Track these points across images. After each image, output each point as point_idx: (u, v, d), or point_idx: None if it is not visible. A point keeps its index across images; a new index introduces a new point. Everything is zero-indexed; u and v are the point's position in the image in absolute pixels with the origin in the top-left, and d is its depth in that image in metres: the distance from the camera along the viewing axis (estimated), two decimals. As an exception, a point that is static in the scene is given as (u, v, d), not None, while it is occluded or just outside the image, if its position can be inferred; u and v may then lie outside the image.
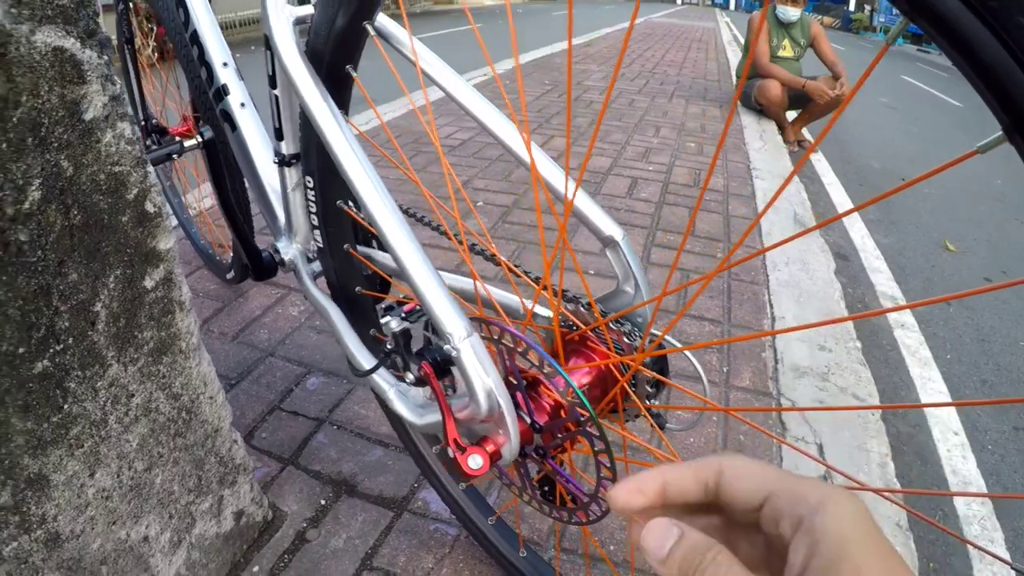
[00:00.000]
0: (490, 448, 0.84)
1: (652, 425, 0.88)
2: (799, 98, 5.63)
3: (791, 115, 5.97)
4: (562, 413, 0.84)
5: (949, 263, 3.81)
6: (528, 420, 0.85)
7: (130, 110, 0.94)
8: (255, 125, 1.41)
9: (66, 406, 0.92)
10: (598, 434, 0.78)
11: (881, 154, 6.37)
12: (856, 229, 4.11)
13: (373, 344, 1.18)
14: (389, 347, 0.97)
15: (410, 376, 0.93)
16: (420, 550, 1.41)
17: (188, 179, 2.46)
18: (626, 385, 0.85)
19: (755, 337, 0.87)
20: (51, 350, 0.88)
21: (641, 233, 3.11)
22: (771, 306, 2.58)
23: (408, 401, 1.04)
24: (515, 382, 0.84)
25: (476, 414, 0.83)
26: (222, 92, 1.40)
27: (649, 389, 0.86)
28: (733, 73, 8.32)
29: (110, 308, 0.94)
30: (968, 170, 5.45)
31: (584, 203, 0.87)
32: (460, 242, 0.94)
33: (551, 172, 0.89)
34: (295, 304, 2.29)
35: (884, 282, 3.41)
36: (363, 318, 1.21)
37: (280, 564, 1.36)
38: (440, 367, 0.87)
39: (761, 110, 5.97)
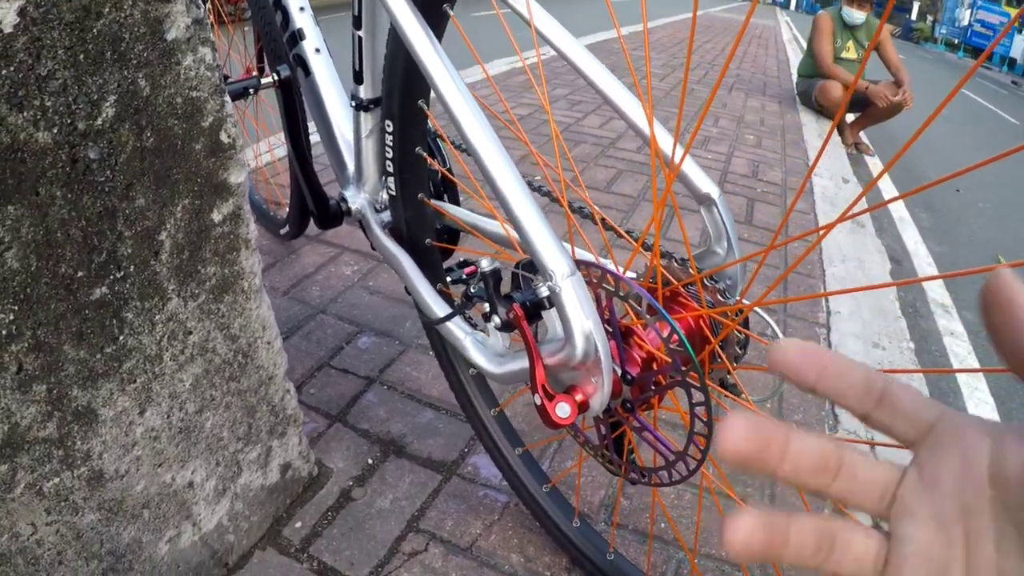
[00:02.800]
0: (579, 397, 0.81)
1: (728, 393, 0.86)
2: (859, 101, 5.50)
3: (849, 118, 5.84)
4: (655, 365, 0.82)
5: None
6: (619, 371, 0.82)
7: (212, 36, 0.88)
8: (329, 71, 1.35)
9: (121, 337, 0.87)
10: (699, 385, 0.74)
11: (936, 164, 6.25)
12: (909, 235, 4.03)
13: (444, 298, 1.12)
14: (472, 290, 0.92)
15: (496, 320, 0.88)
16: (468, 515, 1.36)
17: (248, 131, 2.40)
18: (717, 346, 0.82)
19: (856, 291, 0.81)
20: (111, 277, 0.83)
21: (701, 219, 3.03)
22: (827, 300, 2.50)
23: (486, 350, 0.99)
24: (610, 330, 0.81)
25: (570, 359, 0.79)
26: (297, 36, 1.34)
27: (738, 351, 0.84)
28: (793, 72, 8.17)
29: (175, 238, 0.89)
30: (1021, 186, 5.34)
31: (686, 162, 0.84)
32: (559, 200, 0.90)
33: (659, 133, 0.85)
34: (348, 264, 2.24)
35: (936, 289, 3.33)
36: (431, 271, 1.15)
37: (323, 521, 1.30)
38: (531, 310, 0.82)
39: (820, 110, 5.85)
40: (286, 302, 2.00)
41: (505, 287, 0.91)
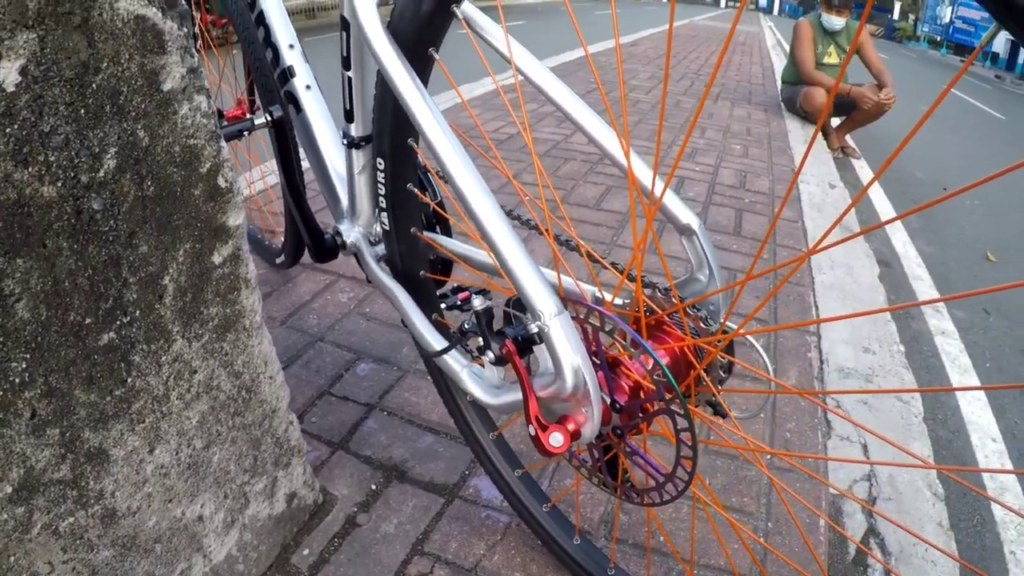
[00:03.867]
0: (571, 427, 0.84)
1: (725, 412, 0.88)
2: (844, 105, 5.55)
3: (835, 122, 5.89)
4: (642, 393, 0.86)
5: (990, 274, 3.77)
6: (608, 400, 0.86)
7: (206, 83, 0.91)
8: (320, 107, 1.38)
9: (130, 380, 0.90)
10: (682, 412, 0.78)
11: (923, 163, 6.28)
12: (898, 236, 4.07)
13: (437, 328, 1.15)
14: (467, 326, 0.95)
15: (490, 355, 0.91)
16: (472, 536, 1.38)
17: (240, 162, 2.43)
18: (702, 371, 0.85)
19: (839, 319, 0.85)
20: (118, 322, 0.86)
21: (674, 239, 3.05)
22: (816, 308, 2.55)
23: (482, 382, 1.03)
24: (597, 362, 0.84)
25: (561, 392, 0.83)
26: (288, 74, 1.37)
27: (722, 375, 0.88)
28: (778, 78, 8.21)
29: (178, 282, 0.92)
30: (1012, 182, 5.35)
31: (666, 194, 0.86)
32: (546, 231, 0.93)
33: (636, 164, 0.88)
34: (344, 291, 2.27)
35: (926, 290, 3.39)
36: (426, 302, 1.18)
37: (330, 548, 1.33)
38: (522, 345, 0.86)
39: (806, 116, 5.90)
40: (284, 331, 2.02)
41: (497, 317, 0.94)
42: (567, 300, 0.84)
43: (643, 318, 0.85)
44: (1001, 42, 21.47)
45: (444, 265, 1.26)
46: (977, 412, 2.39)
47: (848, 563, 1.45)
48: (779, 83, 6.85)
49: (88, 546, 0.92)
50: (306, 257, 2.22)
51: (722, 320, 0.85)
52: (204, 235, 0.94)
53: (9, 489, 0.79)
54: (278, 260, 2.04)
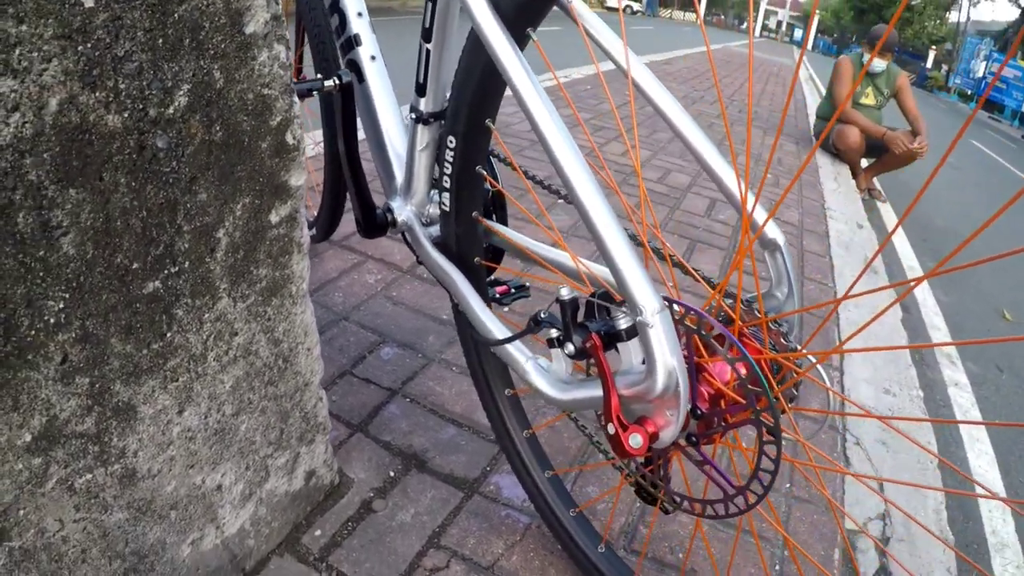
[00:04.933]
0: (651, 429, 0.81)
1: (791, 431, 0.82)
2: (875, 147, 5.51)
3: (865, 162, 5.84)
4: (723, 402, 0.81)
5: (1005, 332, 3.75)
6: (689, 406, 0.81)
7: (288, 34, 0.85)
8: (383, 80, 1.32)
9: (169, 334, 0.84)
10: (772, 426, 0.74)
11: (944, 213, 6.28)
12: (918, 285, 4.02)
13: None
14: (543, 316, 0.89)
15: (570, 347, 0.85)
16: (490, 534, 1.32)
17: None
18: (777, 388, 0.80)
19: (926, 346, 0.82)
20: (166, 271, 0.80)
21: (719, 253, 3.01)
22: (843, 345, 2.50)
23: (549, 375, 0.97)
24: (686, 365, 0.79)
25: (649, 392, 0.79)
26: (353, 42, 1.31)
27: (795, 392, 0.85)
28: (810, 111, 8.17)
29: (232, 237, 0.86)
30: None
31: (758, 209, 0.86)
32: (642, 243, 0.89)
33: (731, 179, 0.89)
34: (371, 272, 2.21)
35: (942, 339, 3.40)
36: (478, 289, 1.12)
37: (343, 531, 1.27)
38: (607, 340, 0.82)
39: (837, 153, 5.85)
40: (309, 305, 1.97)
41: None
42: (669, 299, 0.80)
43: (738, 324, 0.81)
44: None
45: (495, 254, 1.20)
46: (984, 466, 2.41)
47: None
48: (812, 117, 6.80)
49: (102, 506, 0.86)
50: (336, 235, 2.18)
51: (807, 339, 0.82)
52: (265, 191, 0.88)
53: (28, 437, 0.73)
54: (309, 233, 1.98)
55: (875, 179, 5.89)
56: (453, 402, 1.66)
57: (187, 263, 0.82)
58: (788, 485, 1.64)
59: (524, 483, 1.26)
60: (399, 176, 1.26)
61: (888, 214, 5.48)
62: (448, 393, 1.69)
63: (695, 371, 0.80)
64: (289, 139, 0.89)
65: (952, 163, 9.75)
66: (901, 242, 4.82)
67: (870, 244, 3.89)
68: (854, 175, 5.70)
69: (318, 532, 1.26)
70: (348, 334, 1.86)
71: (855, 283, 0.69)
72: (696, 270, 0.91)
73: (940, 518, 1.76)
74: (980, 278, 4.55)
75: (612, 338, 0.81)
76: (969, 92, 28.56)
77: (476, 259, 1.12)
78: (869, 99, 5.78)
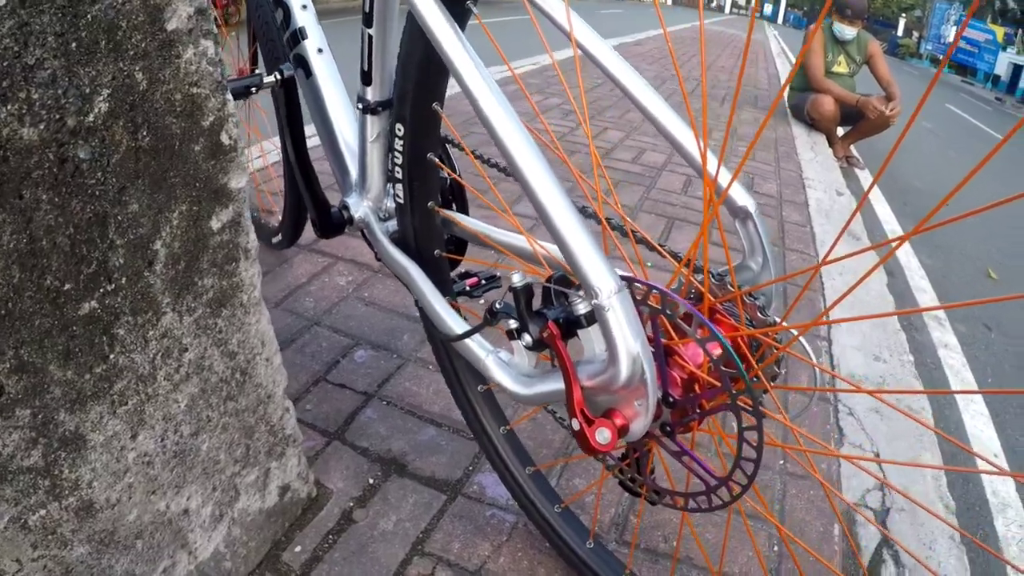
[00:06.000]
0: (619, 421, 0.76)
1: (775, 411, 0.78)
2: (850, 115, 5.51)
3: (841, 131, 5.83)
4: (698, 387, 0.77)
5: (991, 291, 3.78)
6: (660, 393, 0.76)
7: (215, 28, 0.81)
8: (331, 72, 1.28)
9: (112, 356, 0.80)
10: (751, 409, 0.68)
11: (923, 176, 6.32)
12: (902, 248, 4.08)
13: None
14: (498, 306, 0.84)
15: (527, 339, 0.81)
16: (476, 536, 1.29)
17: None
18: (757, 367, 0.75)
19: (909, 312, 0.78)
20: (101, 290, 0.76)
21: (694, 230, 2.99)
22: (827, 315, 2.48)
23: (511, 370, 0.92)
24: (653, 350, 0.74)
25: (612, 382, 0.74)
26: (299, 35, 1.27)
27: (776, 370, 0.80)
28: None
29: (171, 248, 0.82)
30: (1014, 202, 5.34)
31: (723, 175, 0.81)
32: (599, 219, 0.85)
33: (690, 142, 0.83)
34: (342, 274, 2.17)
35: (928, 301, 3.39)
36: (439, 283, 1.08)
37: (324, 545, 1.23)
38: (566, 328, 0.77)
39: (813, 123, 5.83)
40: (279, 313, 1.92)
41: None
42: (629, 278, 0.75)
43: (707, 300, 0.75)
44: (1003, 65, 21.57)
45: (457, 245, 1.16)
46: (980, 426, 2.39)
47: (862, 574, 1.40)
48: (786, 90, 6.79)
49: (61, 542, 0.82)
50: (304, 238, 2.14)
51: (786, 311, 0.78)
52: (203, 197, 0.84)
53: (-29, 476, 0.69)
54: (274, 240, 1.94)
55: (852, 147, 5.89)
56: (431, 401, 1.63)
57: (124, 279, 0.78)
58: (782, 462, 1.62)
59: (506, 481, 1.23)
60: (353, 171, 1.21)
61: (868, 180, 5.49)
62: (425, 392, 1.66)
63: (663, 355, 0.76)
64: (224, 139, 0.84)
65: (929, 127, 9.79)
66: (882, 207, 4.83)
67: (850, 211, 3.88)
68: (831, 144, 5.69)
69: (298, 548, 1.22)
70: (320, 339, 1.82)
71: (833, 247, 0.64)
72: (663, 245, 0.86)
73: (939, 484, 1.74)
74: (964, 240, 4.57)
75: (571, 325, 0.76)
76: (940, 57, 28.63)
77: (436, 251, 1.08)
78: (842, 67, 5.78)
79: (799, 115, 6.04)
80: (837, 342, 2.31)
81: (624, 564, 1.14)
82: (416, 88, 0.92)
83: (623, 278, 0.74)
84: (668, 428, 0.78)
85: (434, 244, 1.08)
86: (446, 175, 1.08)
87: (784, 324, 0.74)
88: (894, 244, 0.57)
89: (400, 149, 0.98)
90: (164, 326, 0.84)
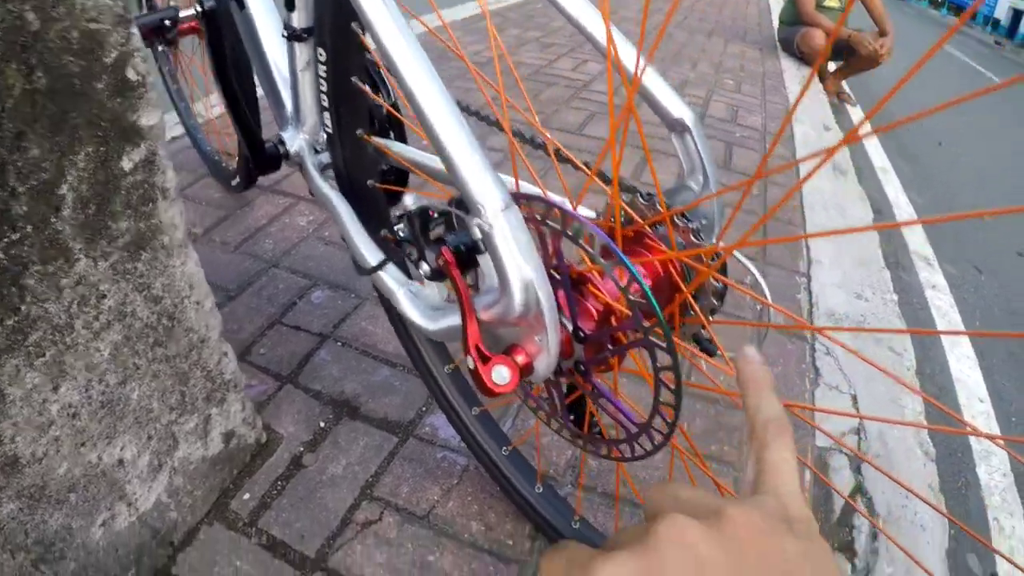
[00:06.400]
0: (521, 359, 0.69)
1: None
2: (842, 50, 5.42)
3: (831, 67, 5.76)
4: (613, 320, 0.70)
5: (980, 231, 3.72)
6: (570, 326, 0.70)
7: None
8: (264, 2, 1.24)
9: (23, 307, 0.78)
10: (665, 346, 0.62)
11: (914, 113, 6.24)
12: (891, 184, 4.07)
13: (383, 245, 0.99)
14: (402, 234, 0.80)
15: (425, 267, 0.74)
16: (425, 480, 1.29)
17: (198, 83, 2.27)
18: (689, 296, 0.72)
19: (842, 233, 0.74)
20: (5, 239, 0.74)
21: (675, 162, 2.95)
22: (807, 248, 2.46)
23: (420, 303, 0.89)
24: (558, 277, 0.68)
25: (508, 312, 0.67)
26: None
27: (715, 302, 0.73)
28: (774, 18, 8.05)
29: (78, 191, 0.79)
30: (1005, 141, 5.37)
31: (652, 81, 0.74)
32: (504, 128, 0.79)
33: (619, 45, 0.74)
34: (303, 213, 2.14)
35: (917, 241, 3.33)
36: (374, 217, 1.04)
37: (273, 492, 1.23)
38: (464, 256, 0.70)
39: (802, 57, 5.76)
40: (238, 257, 1.90)
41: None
42: (521, 196, 0.69)
43: (618, 223, 0.69)
44: (1003, 8, 21.29)
45: (399, 176, 1.13)
46: (965, 370, 2.36)
47: (833, 523, 1.37)
48: (775, 23, 6.68)
49: (-12, 499, 0.82)
50: (269, 180, 2.11)
51: (717, 235, 0.71)
52: (110, 137, 0.81)
53: None
54: (233, 183, 1.91)
55: (844, 83, 5.83)
56: (386, 341, 1.62)
57: (29, 227, 0.75)
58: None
59: (453, 423, 1.22)
60: (288, 103, 1.18)
61: (859, 116, 5.42)
62: (381, 332, 1.65)
63: (569, 282, 0.69)
64: (131, 75, 0.81)
65: (926, 69, 9.63)
66: (873, 146, 4.78)
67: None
68: (821, 79, 5.63)
69: (247, 495, 1.22)
70: (278, 281, 1.80)
71: (772, 150, 0.60)
72: (586, 163, 0.79)
73: (919, 431, 1.73)
74: (956, 179, 4.59)
75: (471, 251, 0.69)
76: (939, -1, 28.20)
77: (369, 182, 1.04)
78: (833, 1, 5.69)
79: (789, 49, 5.96)
80: (817, 279, 2.27)
81: (574, 509, 1.14)
82: (333, 6, 0.88)
83: (520, 195, 0.68)
84: (583, 367, 0.73)
85: (367, 174, 1.04)
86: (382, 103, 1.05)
87: (720, 246, 0.68)
88: (859, 135, 0.54)
89: (324, 75, 0.94)
90: (78, 273, 0.82)
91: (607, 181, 0.73)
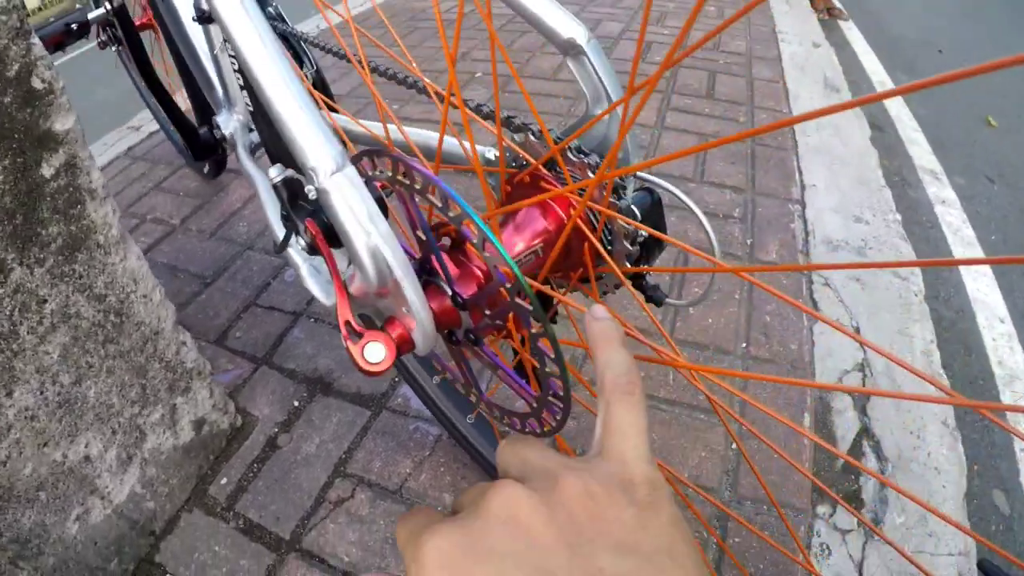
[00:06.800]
0: (396, 333, 0.63)
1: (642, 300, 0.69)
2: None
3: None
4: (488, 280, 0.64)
5: (991, 139, 3.59)
6: (449, 291, 0.64)
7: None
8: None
9: (-36, 319, 0.82)
10: (531, 308, 0.54)
11: (915, 24, 6.08)
12: (891, 99, 3.90)
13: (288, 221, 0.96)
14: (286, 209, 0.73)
15: (301, 242, 0.69)
16: (397, 453, 1.32)
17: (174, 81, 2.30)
18: (591, 236, 0.63)
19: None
20: (-68, 257, 0.78)
21: (655, 96, 2.93)
22: (800, 172, 2.40)
23: (321, 278, 0.90)
24: (423, 239, 0.62)
25: (367, 284, 0.62)
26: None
27: (629, 247, 0.66)
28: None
29: (1, 204, 0.83)
30: (1012, 46, 5.19)
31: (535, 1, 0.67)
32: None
33: None
34: (277, 194, 2.17)
35: (923, 155, 3.21)
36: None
37: (249, 475, 1.28)
38: (330, 227, 0.64)
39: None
40: (213, 243, 1.94)
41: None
42: (366, 151, 0.62)
43: (503, 167, 0.65)
44: None
45: None
46: (983, 289, 2.23)
47: (837, 471, 1.34)
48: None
49: (-45, 504, 0.87)
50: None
51: (609, 155, 0.55)
52: (25, 147, 0.85)
53: None
54: (205, 171, 1.94)
55: (834, -3, 5.73)
56: (358, 313, 1.64)
57: (-45, 243, 0.79)
58: (744, 345, 1.59)
59: (418, 393, 1.24)
60: (218, 86, 1.20)
61: (851, 31, 5.30)
62: (355, 306, 1.66)
63: (434, 243, 0.63)
64: (37, 84, 0.84)
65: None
66: (869, 59, 4.66)
67: (829, 63, 3.77)
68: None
69: (224, 480, 1.27)
70: (252, 263, 1.84)
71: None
72: (481, 105, 0.72)
73: (931, 360, 1.64)
74: (958, 87, 4.43)
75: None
76: None
77: None
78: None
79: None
80: (812, 205, 2.20)
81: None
82: None
83: (365, 152, 0.62)
84: (471, 336, 0.66)
85: None
86: (311, 73, 1.06)
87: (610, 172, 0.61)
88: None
89: (232, 52, 0.95)
90: (14, 282, 0.86)
91: (505, 123, 0.69)
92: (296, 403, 1.43)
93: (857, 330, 1.68)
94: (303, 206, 0.68)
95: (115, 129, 2.91)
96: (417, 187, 0.58)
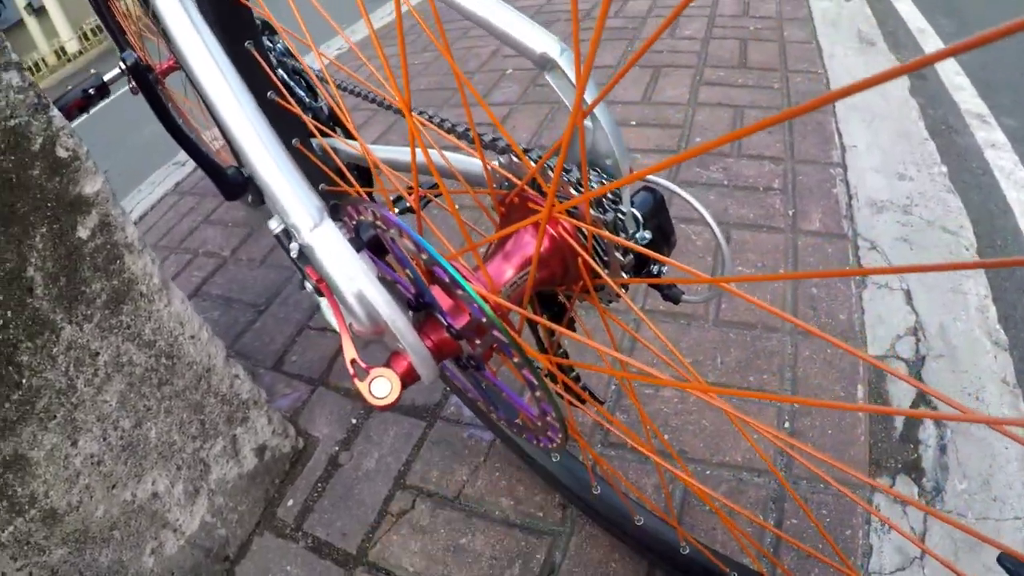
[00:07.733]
0: (401, 367, 0.67)
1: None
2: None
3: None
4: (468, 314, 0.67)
5: None
6: (444, 323, 0.68)
7: (14, 56, 0.86)
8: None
9: (24, 380, 0.89)
10: (506, 339, 0.59)
11: None
12: (931, 44, 3.72)
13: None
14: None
15: (307, 286, 0.73)
16: (454, 461, 1.36)
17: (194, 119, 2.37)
18: (581, 251, 0.66)
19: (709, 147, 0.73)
20: (-11, 329, 0.85)
21: (687, 73, 2.91)
22: (839, 135, 2.35)
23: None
24: (411, 275, 0.67)
25: (360, 326, 0.67)
26: None
27: (621, 258, 0.66)
28: None
29: (44, 269, 0.90)
30: None
31: (500, 16, 0.65)
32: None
33: None
34: (323, 214, 2.23)
35: (968, 99, 3.04)
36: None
37: (314, 494, 1.34)
38: None
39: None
40: (263, 271, 2.02)
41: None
42: (342, 205, 0.68)
43: (492, 190, 0.67)
44: None
45: (361, 173, 1.16)
46: None
47: (895, 441, 1.31)
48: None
49: (38, 549, 0.94)
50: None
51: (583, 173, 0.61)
52: (59, 213, 0.91)
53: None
54: (249, 200, 2.01)
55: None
56: (409, 325, 1.68)
57: (8, 312, 0.86)
58: (787, 324, 1.55)
59: (466, 402, 1.29)
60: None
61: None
62: (403, 320, 1.71)
63: (421, 281, 0.67)
64: (62, 153, 0.91)
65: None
66: (904, 4, 4.54)
67: (862, 14, 3.68)
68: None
69: (291, 502, 1.34)
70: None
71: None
72: (456, 125, 0.76)
73: (987, 317, 1.58)
74: (1003, 23, 4.29)
75: None
76: None
77: (321, 186, 1.07)
78: None
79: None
80: (853, 167, 2.15)
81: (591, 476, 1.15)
82: (221, 33, 0.81)
83: (336, 206, 0.68)
84: (472, 363, 0.71)
85: (315, 181, 1.03)
86: (324, 105, 1.08)
87: (582, 195, 0.59)
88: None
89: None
90: (66, 340, 0.93)
91: (488, 145, 0.72)
92: (354, 420, 1.48)
93: (908, 292, 1.64)
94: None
95: (163, 166, 3.03)
96: (391, 233, 0.63)
